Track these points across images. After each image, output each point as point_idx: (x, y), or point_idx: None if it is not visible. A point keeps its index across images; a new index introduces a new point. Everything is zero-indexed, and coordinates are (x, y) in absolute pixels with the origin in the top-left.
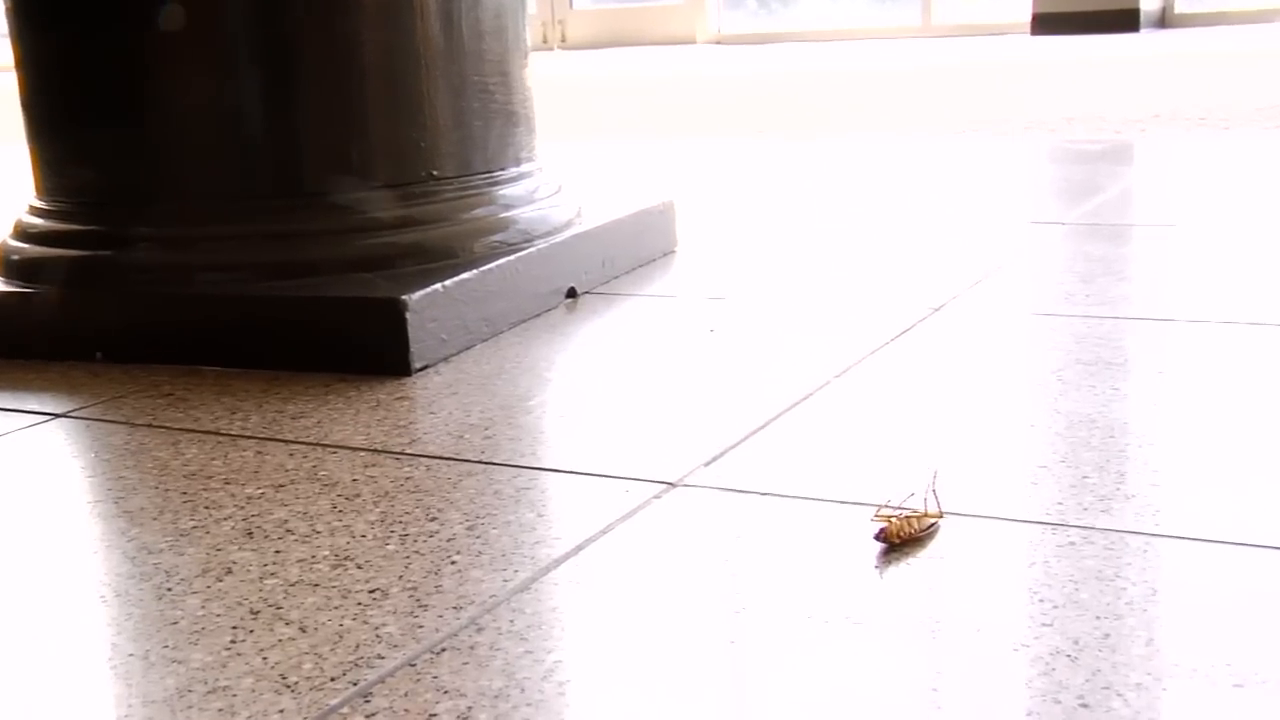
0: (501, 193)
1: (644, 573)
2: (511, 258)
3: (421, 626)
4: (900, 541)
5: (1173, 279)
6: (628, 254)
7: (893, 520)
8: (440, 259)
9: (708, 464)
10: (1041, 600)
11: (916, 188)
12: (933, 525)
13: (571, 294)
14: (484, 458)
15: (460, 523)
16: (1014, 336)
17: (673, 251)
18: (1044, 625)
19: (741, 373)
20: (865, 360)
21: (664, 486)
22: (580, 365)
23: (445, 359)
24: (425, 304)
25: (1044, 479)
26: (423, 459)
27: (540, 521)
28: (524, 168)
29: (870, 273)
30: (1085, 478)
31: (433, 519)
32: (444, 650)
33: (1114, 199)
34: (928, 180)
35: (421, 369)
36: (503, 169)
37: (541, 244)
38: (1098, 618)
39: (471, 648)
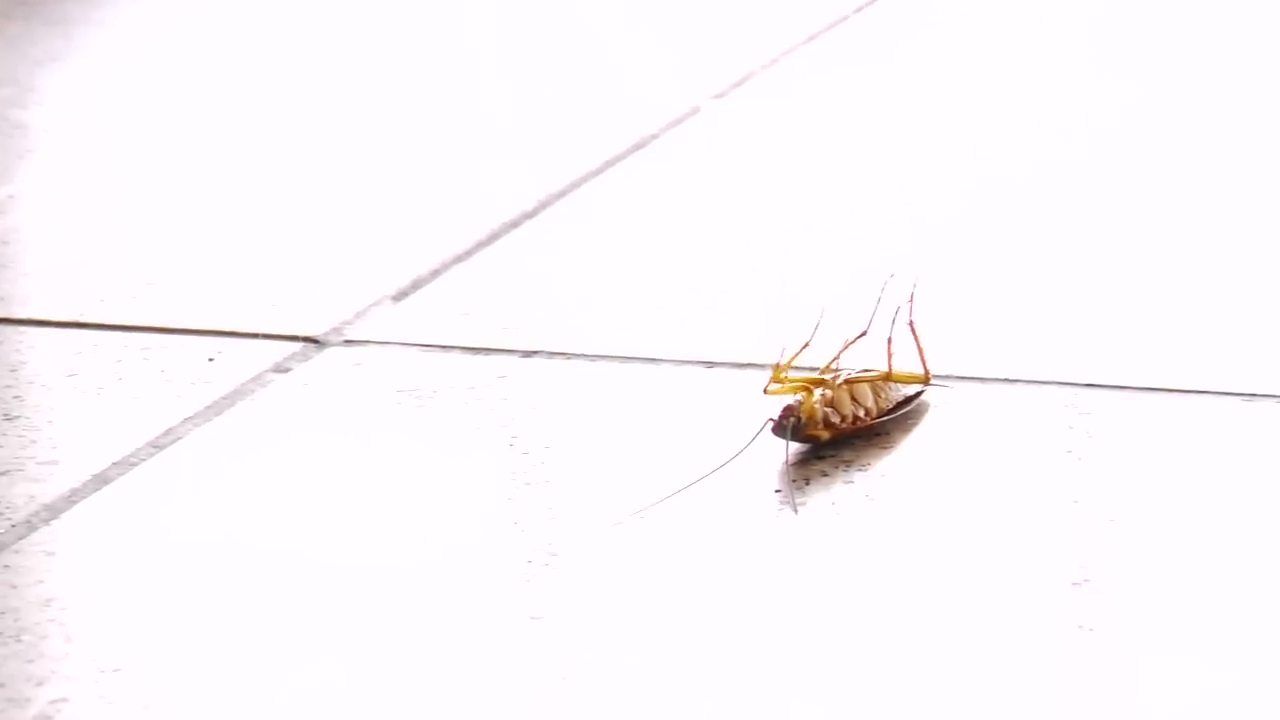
0: None
1: (243, 523)
2: None
3: None
4: (831, 436)
5: None
6: None
7: (812, 391)
8: None
9: (398, 298)
10: (1118, 543)
11: None
12: (910, 400)
13: None
14: None
15: None
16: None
17: None
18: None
19: (488, 96)
20: (775, 64)
21: (300, 346)
22: (92, 86)
23: None
24: None
25: (1142, 305)
26: None
27: (10, 430)
28: None
29: None
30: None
31: None
32: None
33: None
34: None
35: None
36: None
37: None
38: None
39: None
